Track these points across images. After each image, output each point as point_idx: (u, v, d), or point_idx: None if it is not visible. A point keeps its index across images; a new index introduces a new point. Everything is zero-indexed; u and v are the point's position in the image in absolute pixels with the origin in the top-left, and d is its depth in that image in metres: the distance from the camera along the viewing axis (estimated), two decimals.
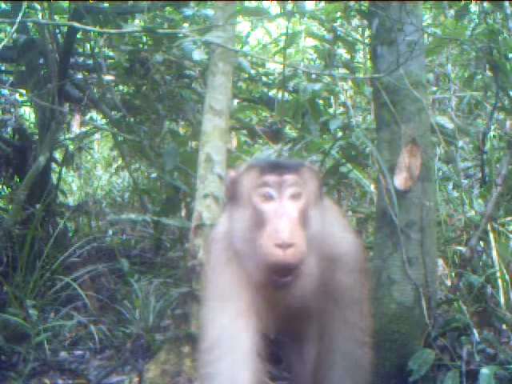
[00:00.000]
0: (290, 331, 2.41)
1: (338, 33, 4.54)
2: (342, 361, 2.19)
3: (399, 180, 2.81)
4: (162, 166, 4.37)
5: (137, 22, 5.19)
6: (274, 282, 1.91)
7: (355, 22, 5.66)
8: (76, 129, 6.96)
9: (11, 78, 5.76)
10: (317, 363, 2.31)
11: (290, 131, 5.50)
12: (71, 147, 6.48)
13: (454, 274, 3.60)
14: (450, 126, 4.19)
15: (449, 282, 3.66)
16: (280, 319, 2.16)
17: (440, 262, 3.76)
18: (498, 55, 4.01)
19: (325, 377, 2.21)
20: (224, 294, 2.05)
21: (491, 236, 3.53)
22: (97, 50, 5.10)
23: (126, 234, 5.78)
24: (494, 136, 4.66)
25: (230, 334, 1.99)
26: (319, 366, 2.27)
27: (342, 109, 5.38)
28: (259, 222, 1.91)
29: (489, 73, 4.49)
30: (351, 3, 3.95)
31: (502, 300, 3.27)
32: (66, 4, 4.95)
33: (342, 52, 5.40)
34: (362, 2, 3.64)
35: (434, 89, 5.91)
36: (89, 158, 8.47)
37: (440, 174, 5.11)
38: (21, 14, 3.28)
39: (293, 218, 1.91)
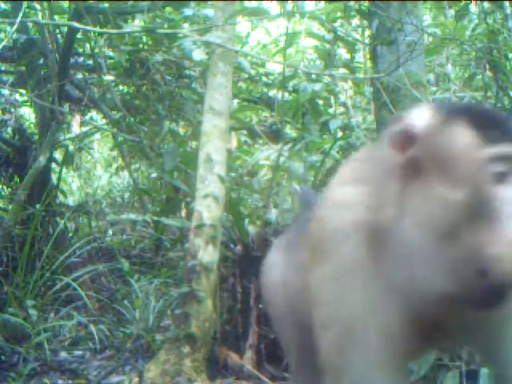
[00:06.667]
0: None
1: (338, 33, 4.55)
2: None
3: None
4: (162, 166, 4.37)
5: (137, 21, 5.19)
6: (484, 300, 1.23)
7: (355, 22, 5.66)
8: (76, 129, 6.96)
9: (11, 78, 5.76)
10: None
11: (290, 131, 5.49)
12: (71, 147, 6.47)
13: None
14: None
15: None
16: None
17: None
18: (498, 55, 4.01)
19: None
20: (365, 320, 1.29)
21: None
22: (97, 50, 5.09)
23: (126, 234, 5.78)
24: None
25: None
26: None
27: (342, 109, 5.37)
28: (479, 211, 1.21)
29: (489, 73, 4.49)
30: (351, 3, 3.96)
31: None
32: (66, 4, 4.96)
33: (342, 52, 5.39)
34: (362, 1, 3.64)
35: (434, 89, 5.90)
36: (89, 158, 8.45)
37: None
38: (21, 14, 3.28)
39: None
